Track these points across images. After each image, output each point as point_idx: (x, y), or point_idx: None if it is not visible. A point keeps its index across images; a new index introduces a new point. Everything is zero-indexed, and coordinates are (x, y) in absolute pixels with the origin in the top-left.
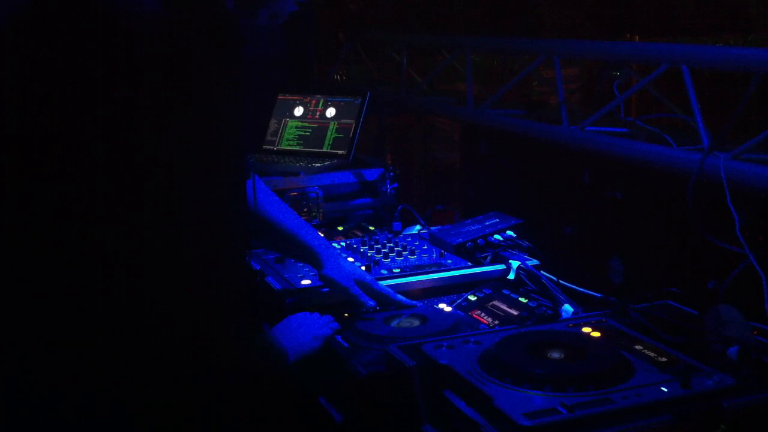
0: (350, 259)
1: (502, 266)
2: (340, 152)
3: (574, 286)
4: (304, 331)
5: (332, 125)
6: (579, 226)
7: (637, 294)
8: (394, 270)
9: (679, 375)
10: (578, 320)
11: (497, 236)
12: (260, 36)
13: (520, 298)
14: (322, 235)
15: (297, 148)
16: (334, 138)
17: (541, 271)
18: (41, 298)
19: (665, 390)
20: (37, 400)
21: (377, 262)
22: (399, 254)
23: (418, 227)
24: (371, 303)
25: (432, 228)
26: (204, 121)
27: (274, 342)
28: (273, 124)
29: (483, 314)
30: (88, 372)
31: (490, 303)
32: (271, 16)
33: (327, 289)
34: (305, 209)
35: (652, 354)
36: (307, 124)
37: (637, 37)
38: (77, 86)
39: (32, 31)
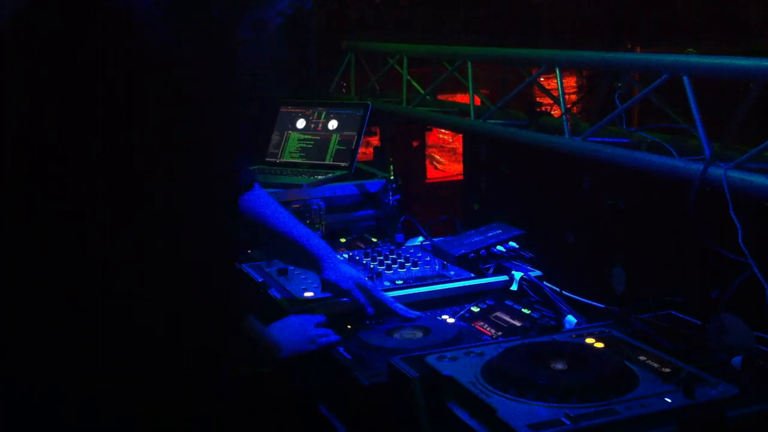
0: None
1: (505, 277)
2: (342, 164)
3: (577, 297)
4: (303, 331)
5: (334, 137)
6: (582, 235)
7: (640, 304)
8: (396, 282)
9: (682, 385)
10: (581, 331)
11: (500, 247)
12: (261, 47)
13: (523, 309)
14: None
15: (299, 160)
16: (336, 150)
17: (544, 282)
18: (40, 299)
19: (669, 400)
20: (36, 400)
21: (380, 274)
22: (401, 266)
23: (420, 238)
24: (371, 310)
25: (434, 239)
26: (198, 127)
27: (262, 335)
28: (275, 137)
29: (486, 325)
30: (85, 372)
31: (493, 314)
32: (254, 24)
33: (329, 295)
34: (308, 221)
35: (655, 364)
36: (309, 137)
37: (638, 48)
38: (76, 88)
39: (31, 31)
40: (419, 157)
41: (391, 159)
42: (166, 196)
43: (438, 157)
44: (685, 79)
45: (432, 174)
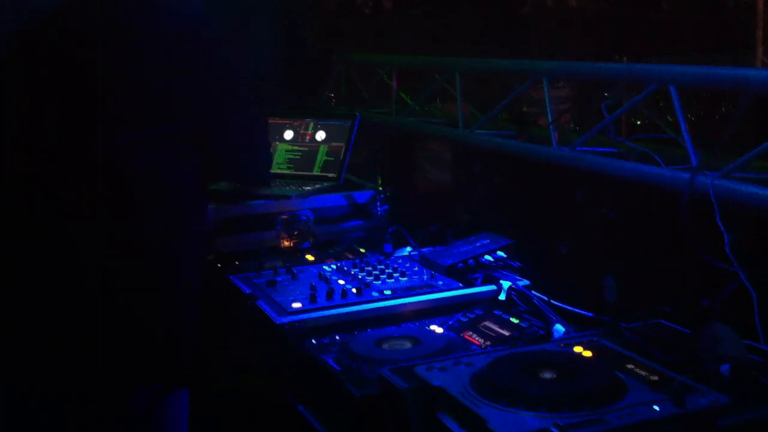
0: (341, 282)
1: (493, 287)
2: (330, 175)
3: (566, 306)
4: None
5: (322, 148)
6: (572, 245)
7: (630, 313)
8: (385, 292)
9: (672, 394)
10: (570, 340)
11: (488, 257)
12: (252, 56)
13: (511, 319)
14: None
15: (287, 171)
16: (325, 161)
17: (532, 291)
18: (40, 299)
19: (658, 409)
20: (36, 400)
21: (368, 284)
22: (390, 276)
23: (409, 249)
24: None
25: (423, 249)
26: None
27: None
28: None
29: (475, 335)
30: (85, 372)
31: (482, 324)
32: None
33: (320, 305)
34: (296, 232)
35: (644, 373)
36: (297, 148)
37: (625, 58)
38: (75, 88)
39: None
40: (409, 166)
41: (380, 169)
42: (164, 193)
43: (428, 167)
44: (672, 89)
45: (422, 184)
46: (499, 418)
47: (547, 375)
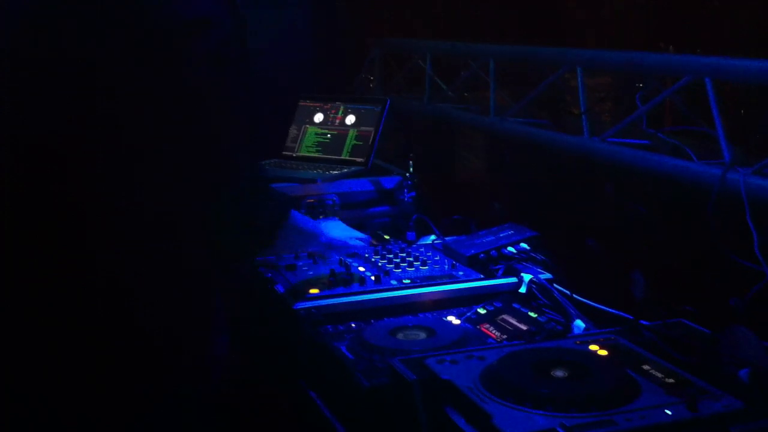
0: (361, 269)
1: (515, 279)
2: (358, 159)
3: (587, 301)
4: None
5: (351, 132)
6: (602, 240)
7: (654, 311)
8: (404, 281)
9: (686, 397)
10: (587, 337)
11: (511, 248)
12: (286, 41)
13: (530, 313)
14: None
15: (316, 154)
16: (353, 145)
17: (554, 285)
18: (40, 299)
19: (670, 413)
20: (36, 400)
21: (387, 272)
22: (410, 264)
23: (433, 237)
24: None
25: (446, 238)
26: (207, 125)
27: None
28: (293, 131)
29: (492, 328)
30: (84, 372)
31: (500, 317)
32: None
33: (339, 291)
34: (322, 216)
35: (660, 375)
36: (326, 131)
37: (671, 47)
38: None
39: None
40: (440, 154)
41: (411, 155)
42: (167, 194)
43: (459, 155)
44: (707, 81)
45: (458, 172)
46: (505, 415)
47: (559, 373)
